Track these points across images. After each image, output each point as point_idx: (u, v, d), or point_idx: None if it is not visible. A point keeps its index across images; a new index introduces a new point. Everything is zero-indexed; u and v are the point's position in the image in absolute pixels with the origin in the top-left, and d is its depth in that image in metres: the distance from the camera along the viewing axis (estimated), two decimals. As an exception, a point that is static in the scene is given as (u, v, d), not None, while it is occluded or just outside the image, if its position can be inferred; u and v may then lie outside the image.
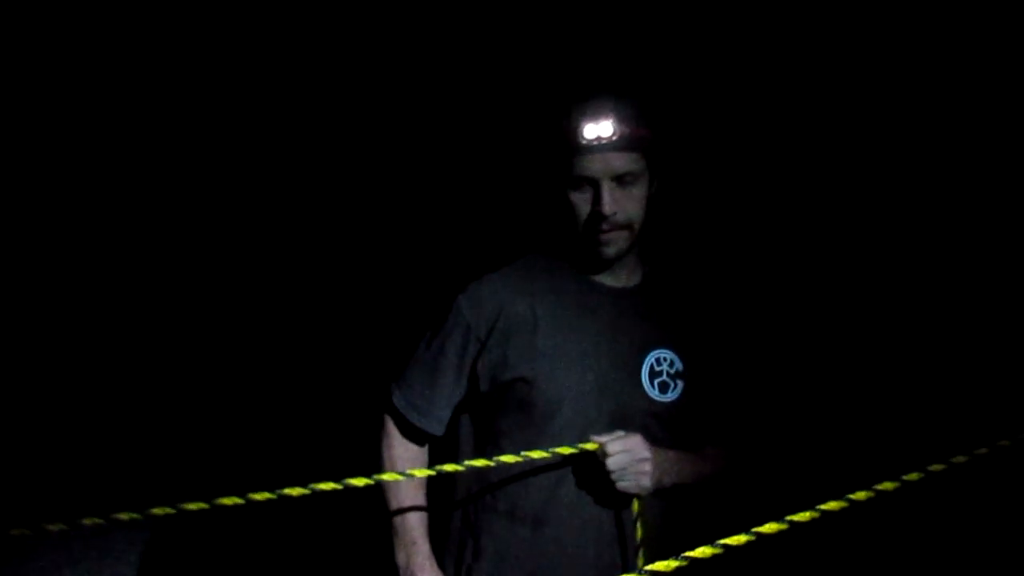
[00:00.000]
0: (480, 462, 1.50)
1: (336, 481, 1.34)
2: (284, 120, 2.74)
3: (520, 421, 1.68)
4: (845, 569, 2.23)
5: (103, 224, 2.73)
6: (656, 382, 1.64)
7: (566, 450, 1.54)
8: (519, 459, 1.49)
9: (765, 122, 2.47)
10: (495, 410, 1.71)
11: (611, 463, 1.52)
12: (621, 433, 1.55)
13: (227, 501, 1.26)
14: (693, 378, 1.66)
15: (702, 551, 1.18)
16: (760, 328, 1.78)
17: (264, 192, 2.83)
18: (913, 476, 1.25)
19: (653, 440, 1.60)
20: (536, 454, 1.52)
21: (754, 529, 1.18)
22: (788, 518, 1.19)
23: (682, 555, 1.16)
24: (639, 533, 1.56)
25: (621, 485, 1.54)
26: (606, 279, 1.71)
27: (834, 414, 2.30)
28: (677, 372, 1.65)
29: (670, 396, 1.64)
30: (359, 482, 1.38)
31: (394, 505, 1.71)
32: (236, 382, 2.83)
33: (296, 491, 1.33)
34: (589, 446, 1.54)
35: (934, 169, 2.24)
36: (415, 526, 1.71)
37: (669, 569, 1.14)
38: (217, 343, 2.86)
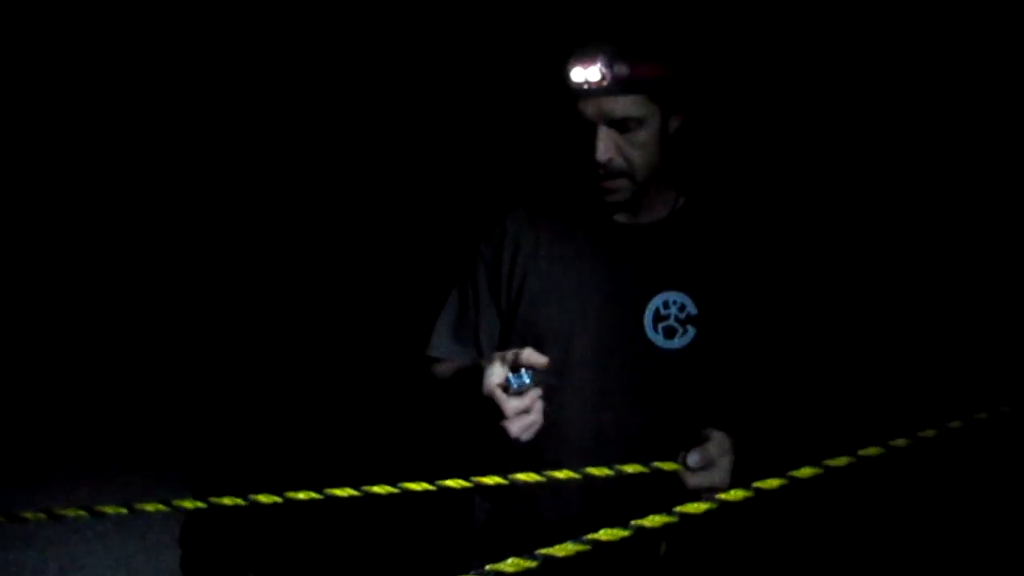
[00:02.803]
0: (492, 480, 1.32)
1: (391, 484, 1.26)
2: (275, 89, 2.75)
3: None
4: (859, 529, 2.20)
5: (99, 221, 2.78)
6: (661, 327, 1.59)
7: (634, 468, 1.33)
8: (540, 479, 1.33)
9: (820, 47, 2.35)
10: (505, 343, 1.71)
11: (694, 483, 1.36)
12: (712, 451, 1.36)
13: (264, 498, 1.24)
14: (708, 325, 1.59)
15: (735, 494, 1.15)
16: (795, 278, 1.70)
17: (267, 176, 2.84)
18: (929, 432, 1.22)
19: (654, 392, 1.57)
20: (563, 474, 1.30)
21: (790, 473, 1.14)
22: (825, 462, 1.14)
23: (716, 496, 1.13)
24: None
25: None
26: (621, 216, 1.67)
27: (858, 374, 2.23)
28: (688, 318, 1.59)
29: (677, 343, 1.58)
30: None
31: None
32: (234, 378, 2.89)
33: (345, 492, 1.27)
34: (666, 466, 1.35)
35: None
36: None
37: (700, 511, 1.12)
38: (219, 337, 2.91)
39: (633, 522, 1.14)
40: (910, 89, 2.18)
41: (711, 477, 1.35)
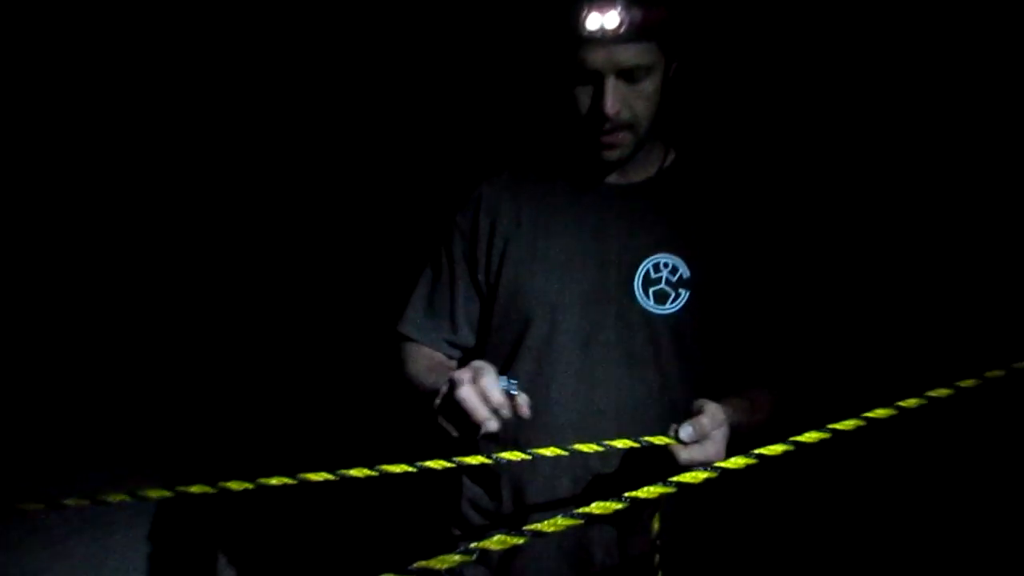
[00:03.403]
0: (476, 459, 1.23)
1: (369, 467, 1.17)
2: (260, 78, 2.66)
3: (500, 337, 1.61)
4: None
5: (73, 218, 2.69)
6: (652, 291, 1.51)
7: (624, 443, 1.26)
8: (527, 456, 1.26)
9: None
10: (485, 325, 1.64)
11: (687, 457, 1.26)
12: (705, 424, 1.27)
13: (275, 481, 1.14)
14: (702, 288, 1.51)
15: (735, 461, 1.07)
16: (791, 235, 1.62)
17: (240, 164, 2.75)
18: (942, 392, 1.15)
19: (648, 362, 1.50)
20: (549, 451, 1.25)
21: (792, 438, 1.07)
22: (830, 426, 1.07)
23: (714, 465, 1.07)
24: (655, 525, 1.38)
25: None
26: (609, 176, 1.59)
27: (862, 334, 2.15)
28: (681, 280, 1.51)
29: (669, 308, 1.51)
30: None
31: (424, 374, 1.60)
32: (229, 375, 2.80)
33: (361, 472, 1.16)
34: (657, 440, 1.27)
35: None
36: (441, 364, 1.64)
37: (698, 480, 1.06)
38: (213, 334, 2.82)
39: (627, 494, 1.06)
40: (908, 44, 2.10)
41: (705, 451, 1.26)
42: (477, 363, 1.30)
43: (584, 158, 1.55)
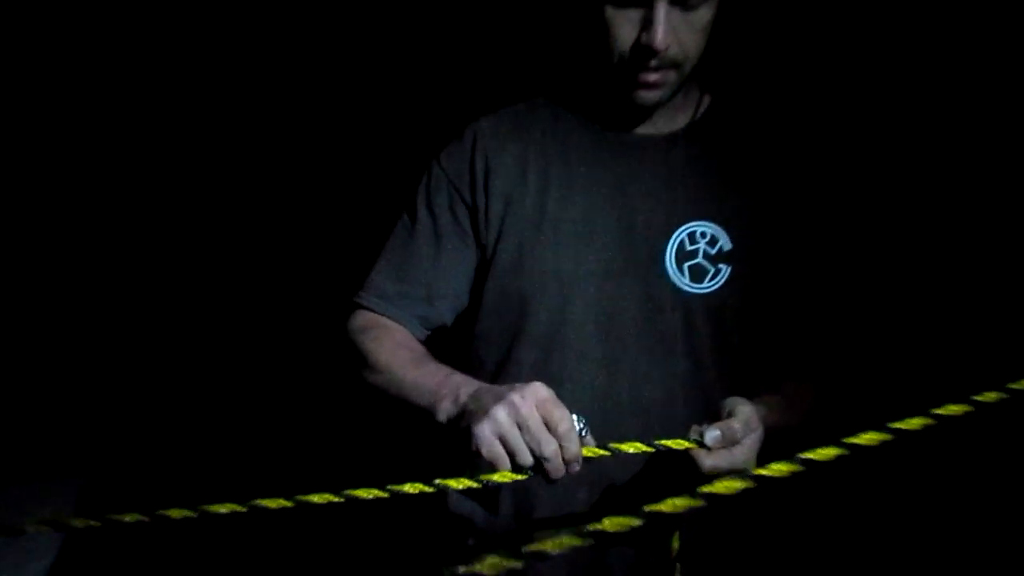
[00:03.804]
0: (461, 483, 1.04)
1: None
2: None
3: (495, 318, 1.39)
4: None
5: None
6: (687, 266, 1.30)
7: (635, 448, 1.10)
8: (523, 475, 1.09)
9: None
10: (476, 302, 1.42)
11: (711, 464, 1.10)
12: (737, 429, 1.09)
13: (223, 509, 1.04)
14: (746, 263, 1.30)
15: (777, 468, 0.91)
16: (853, 203, 1.42)
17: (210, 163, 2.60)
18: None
19: (679, 351, 1.30)
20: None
21: (847, 440, 0.93)
22: (893, 425, 0.93)
23: (753, 472, 0.91)
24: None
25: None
26: (635, 125, 1.37)
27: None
28: (721, 254, 1.30)
29: (707, 286, 1.30)
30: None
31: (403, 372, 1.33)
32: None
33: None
34: (675, 444, 1.10)
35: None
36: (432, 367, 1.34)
37: (732, 491, 0.90)
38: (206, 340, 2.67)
39: (646, 507, 0.90)
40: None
41: (732, 457, 1.09)
42: (537, 385, 1.10)
43: (610, 100, 1.33)
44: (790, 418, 1.25)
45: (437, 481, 1.03)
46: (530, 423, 1.07)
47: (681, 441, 1.11)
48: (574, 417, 1.09)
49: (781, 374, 1.33)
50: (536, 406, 1.08)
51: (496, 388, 1.14)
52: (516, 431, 1.07)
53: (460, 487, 1.05)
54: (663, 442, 1.10)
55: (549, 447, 1.07)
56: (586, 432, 1.11)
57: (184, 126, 2.54)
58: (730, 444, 1.09)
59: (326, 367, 1.94)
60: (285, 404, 2.52)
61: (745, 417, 1.10)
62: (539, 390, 1.09)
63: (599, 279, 1.32)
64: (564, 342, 1.32)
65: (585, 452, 1.10)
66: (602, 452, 1.11)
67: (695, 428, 1.11)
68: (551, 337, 1.33)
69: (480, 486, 1.06)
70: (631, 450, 1.10)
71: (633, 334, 1.31)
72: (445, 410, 1.20)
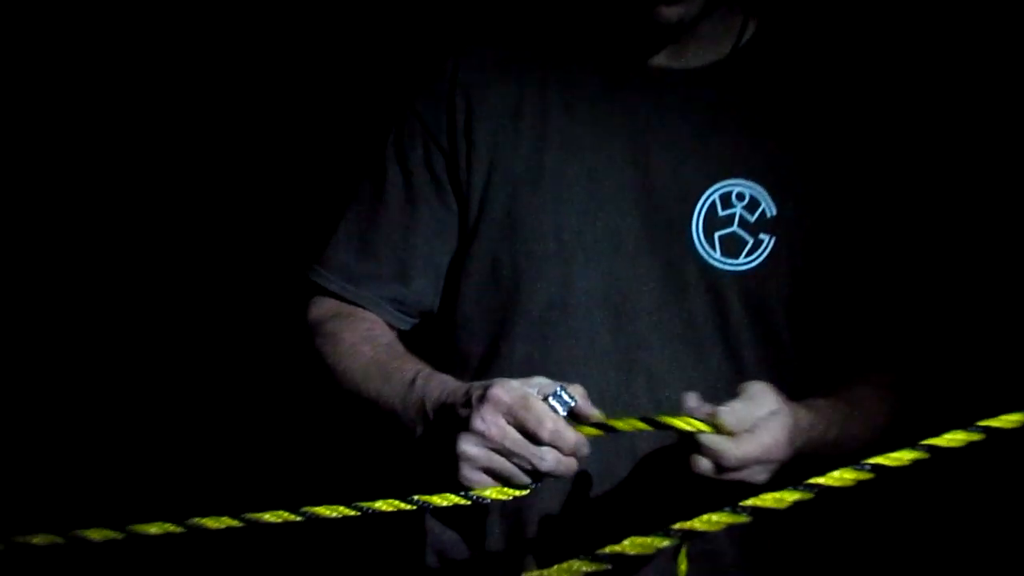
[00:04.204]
0: (447, 499, 0.88)
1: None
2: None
3: (482, 300, 1.16)
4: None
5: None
6: (719, 236, 1.07)
7: (630, 425, 0.90)
8: (522, 492, 0.91)
9: None
10: (455, 279, 1.18)
11: (716, 448, 0.88)
12: (754, 411, 0.90)
13: (153, 529, 0.86)
14: (793, 233, 1.08)
15: (839, 476, 0.74)
16: (931, 163, 1.20)
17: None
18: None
19: (708, 343, 1.09)
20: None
21: (927, 442, 0.74)
22: (984, 423, 0.73)
23: (810, 483, 0.74)
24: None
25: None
26: (657, 56, 1.12)
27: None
28: (762, 221, 1.07)
29: (744, 262, 1.07)
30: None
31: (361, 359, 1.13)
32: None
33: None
34: (678, 423, 0.89)
35: None
36: (402, 361, 1.12)
37: (784, 506, 0.73)
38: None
39: (677, 526, 0.73)
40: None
41: (742, 447, 0.88)
42: (495, 392, 0.91)
43: (624, 23, 1.09)
44: (855, 430, 1.03)
45: (416, 497, 0.85)
46: (508, 445, 0.89)
47: (688, 420, 0.90)
48: (557, 390, 0.91)
49: (845, 376, 1.11)
50: (505, 420, 0.89)
51: (459, 403, 0.95)
52: (498, 459, 0.89)
53: (445, 504, 0.87)
54: (666, 419, 0.89)
55: (544, 461, 0.88)
56: (575, 400, 0.91)
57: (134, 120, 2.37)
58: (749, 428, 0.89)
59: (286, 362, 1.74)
60: (243, 402, 2.33)
61: (760, 395, 0.91)
62: (498, 396, 0.90)
63: (609, 253, 1.09)
64: (565, 332, 1.10)
65: (583, 431, 0.91)
66: (595, 431, 0.92)
67: (690, 396, 0.92)
68: (549, 325, 1.11)
69: (469, 503, 0.88)
70: (624, 427, 0.90)
71: (652, 323, 1.09)
72: (418, 432, 1.02)
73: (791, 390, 1.00)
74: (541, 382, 0.94)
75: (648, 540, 0.71)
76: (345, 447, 1.98)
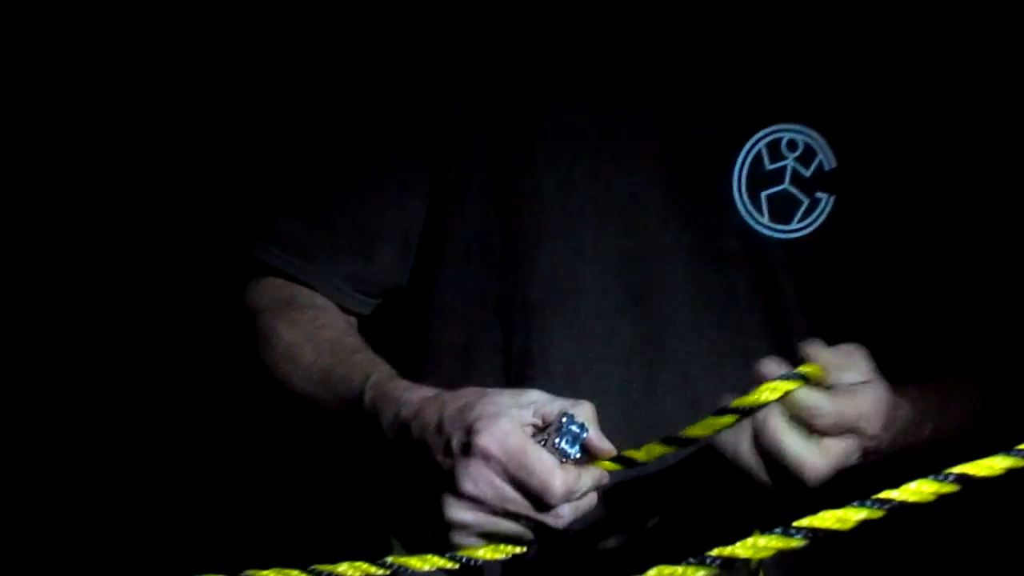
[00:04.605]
0: (425, 562, 0.69)
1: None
2: None
3: (463, 279, 0.96)
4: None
5: None
6: (765, 196, 0.89)
7: (648, 453, 0.76)
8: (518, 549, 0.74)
9: None
10: (434, 239, 0.97)
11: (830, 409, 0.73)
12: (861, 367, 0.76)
13: None
14: (860, 192, 0.90)
15: (919, 489, 0.60)
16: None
17: None
18: None
19: (756, 317, 0.91)
20: None
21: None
22: None
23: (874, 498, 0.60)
24: None
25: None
26: None
27: None
28: (819, 177, 0.89)
29: (797, 228, 0.89)
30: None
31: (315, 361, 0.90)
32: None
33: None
34: (766, 392, 0.72)
35: None
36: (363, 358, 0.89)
37: (875, 515, 0.60)
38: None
39: (715, 552, 0.59)
40: None
41: (857, 404, 0.73)
42: (483, 436, 0.69)
43: None
44: (946, 428, 0.86)
45: (390, 559, 0.69)
46: (510, 508, 0.70)
47: (774, 385, 0.72)
48: (563, 422, 0.71)
49: (923, 367, 0.92)
50: (500, 471, 0.69)
51: (434, 445, 0.73)
52: (499, 522, 0.71)
53: (427, 568, 0.69)
54: (740, 402, 0.71)
55: (560, 519, 0.70)
56: (587, 432, 0.72)
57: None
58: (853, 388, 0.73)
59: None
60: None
61: (848, 352, 0.76)
62: (487, 450, 0.68)
63: (627, 220, 0.91)
64: (572, 319, 0.91)
65: (604, 466, 0.74)
66: (613, 466, 0.75)
67: (766, 363, 0.75)
68: (551, 311, 0.91)
69: (457, 566, 0.70)
70: (650, 458, 0.74)
71: (681, 305, 0.91)
72: (378, 457, 0.82)
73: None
74: (539, 403, 0.72)
75: (679, 571, 0.58)
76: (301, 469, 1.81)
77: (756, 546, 0.59)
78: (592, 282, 0.92)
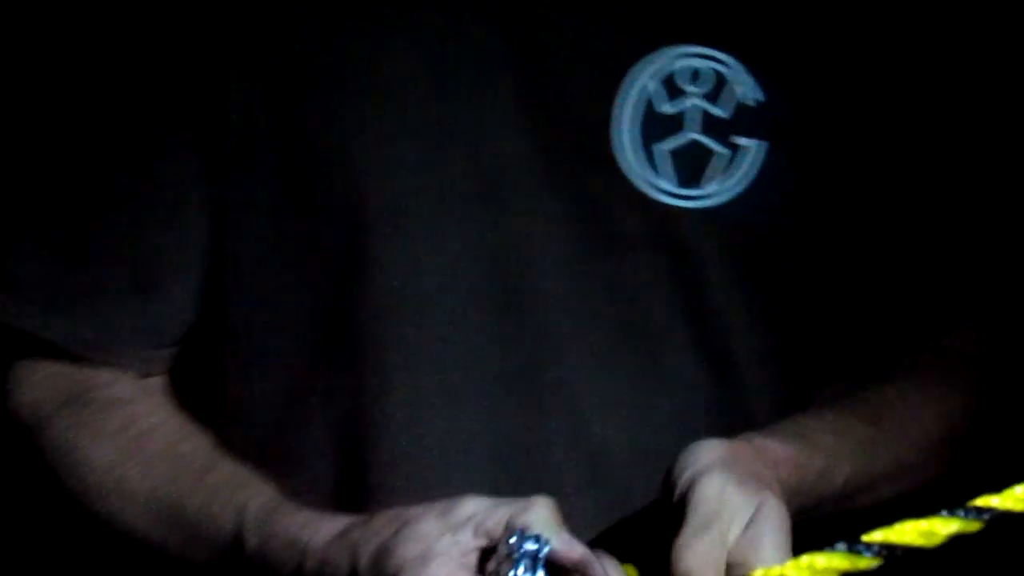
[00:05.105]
0: None
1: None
2: None
3: (266, 293, 0.69)
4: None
5: None
6: (665, 151, 0.65)
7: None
8: None
9: None
10: (226, 259, 0.71)
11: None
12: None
13: None
14: (794, 134, 0.66)
15: (945, 527, 0.40)
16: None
17: None
18: None
19: (665, 316, 0.67)
20: None
21: None
22: None
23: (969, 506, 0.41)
24: None
25: None
26: None
27: None
28: (742, 117, 0.65)
29: (715, 192, 0.65)
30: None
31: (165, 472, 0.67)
32: None
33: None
34: None
35: None
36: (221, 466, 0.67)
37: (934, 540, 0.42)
38: None
39: (776, 571, 0.43)
40: None
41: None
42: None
43: None
44: (897, 452, 0.66)
45: None
46: None
47: None
48: (514, 540, 0.54)
49: (885, 362, 0.70)
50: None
51: None
52: None
53: None
54: None
55: None
56: (548, 545, 0.53)
57: None
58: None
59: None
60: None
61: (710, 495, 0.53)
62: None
63: (483, 194, 0.66)
64: (416, 346, 0.67)
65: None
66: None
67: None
68: (387, 334, 0.67)
69: None
70: None
71: (567, 312, 0.67)
72: None
73: (802, 395, 0.68)
74: (478, 516, 0.55)
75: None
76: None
77: (813, 568, 0.40)
78: (438, 292, 0.66)
